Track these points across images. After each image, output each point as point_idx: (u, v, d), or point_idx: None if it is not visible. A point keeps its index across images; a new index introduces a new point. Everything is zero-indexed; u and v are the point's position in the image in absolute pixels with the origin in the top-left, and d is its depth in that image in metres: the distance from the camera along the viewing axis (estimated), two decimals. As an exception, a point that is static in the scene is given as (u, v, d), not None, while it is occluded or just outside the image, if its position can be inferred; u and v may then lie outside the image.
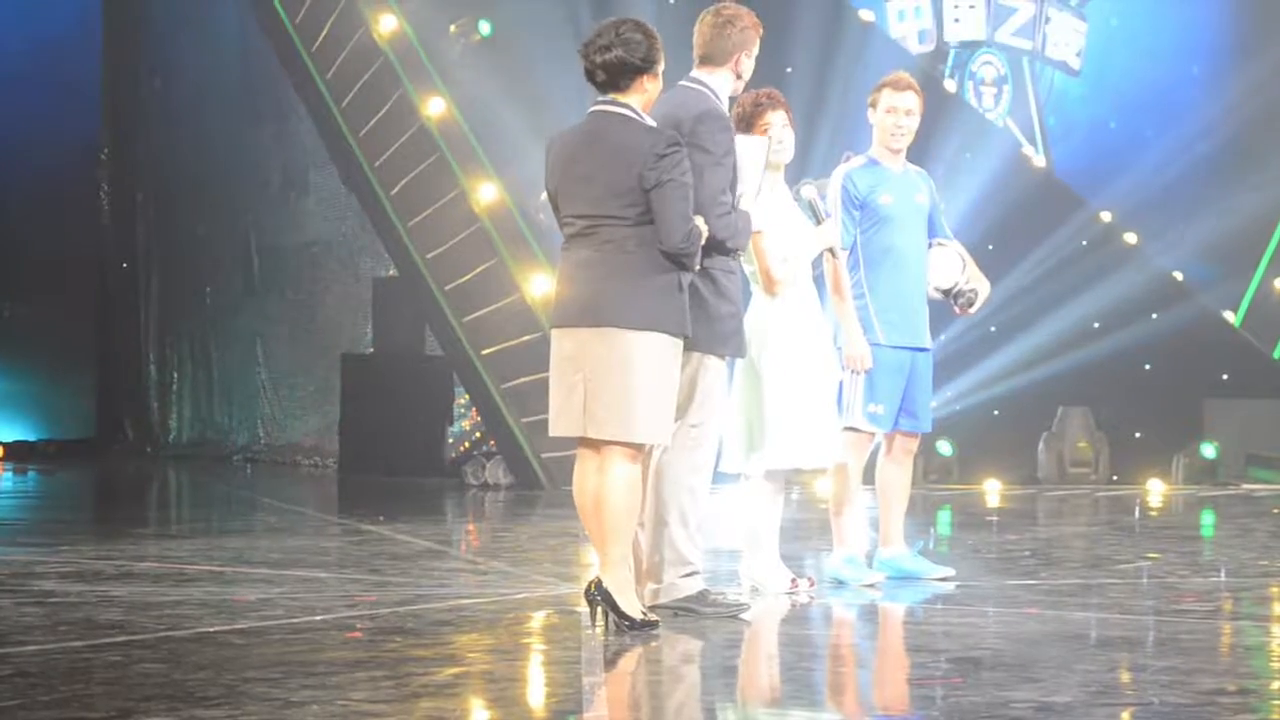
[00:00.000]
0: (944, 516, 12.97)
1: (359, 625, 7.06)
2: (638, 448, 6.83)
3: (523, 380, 15.00)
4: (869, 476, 8.61)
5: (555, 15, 15.85)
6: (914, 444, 8.68)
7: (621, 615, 6.72)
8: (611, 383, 6.75)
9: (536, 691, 5.90)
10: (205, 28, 20.28)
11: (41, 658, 6.16)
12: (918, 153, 8.86)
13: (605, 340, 6.77)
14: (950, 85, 18.02)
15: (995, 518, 13.11)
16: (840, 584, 8.28)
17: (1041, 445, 16.51)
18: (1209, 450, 16.60)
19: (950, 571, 8.59)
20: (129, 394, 21.38)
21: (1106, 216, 17.73)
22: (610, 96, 6.94)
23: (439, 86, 16.49)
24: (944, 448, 16.23)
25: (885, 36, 17.80)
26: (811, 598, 7.89)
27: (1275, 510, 13.57)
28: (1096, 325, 17.13)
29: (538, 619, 7.37)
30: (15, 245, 19.84)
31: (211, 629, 6.83)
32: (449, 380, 16.76)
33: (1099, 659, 6.29)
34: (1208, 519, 13.12)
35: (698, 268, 6.94)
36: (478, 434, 16.68)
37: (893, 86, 8.56)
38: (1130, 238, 17.71)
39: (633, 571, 6.95)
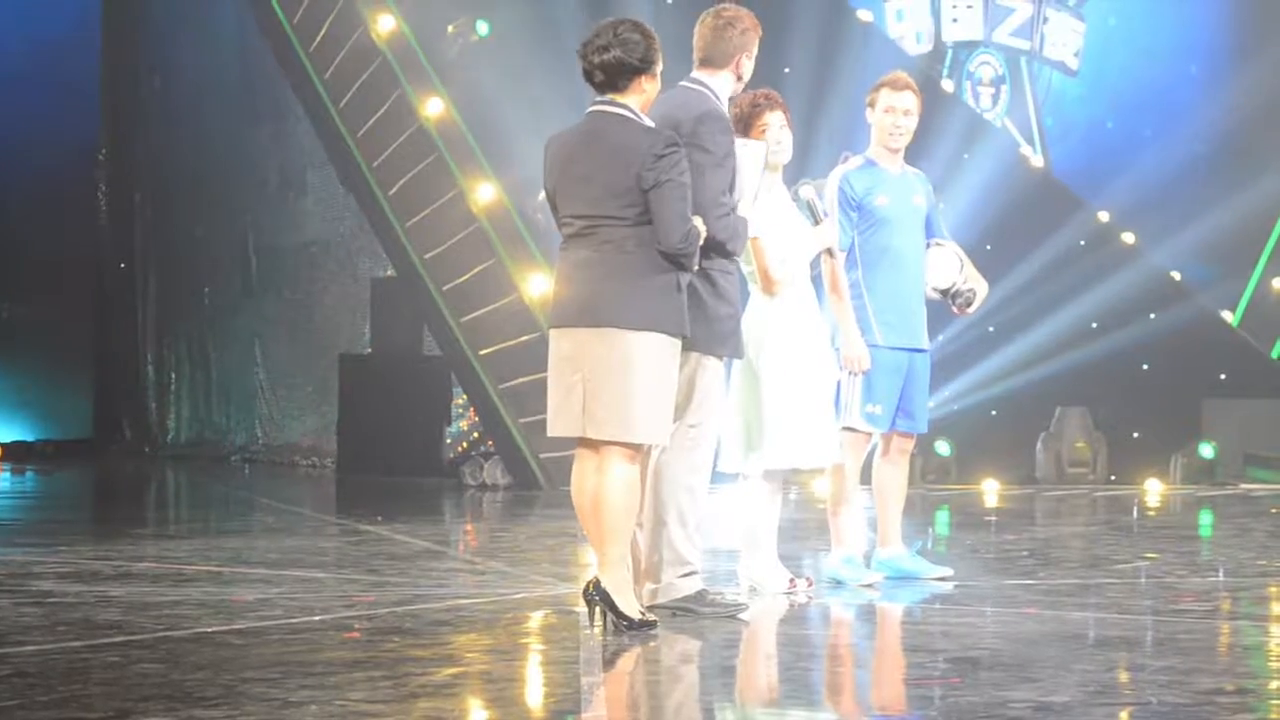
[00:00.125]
0: (942, 516, 12.97)
1: (357, 625, 7.06)
2: (636, 448, 6.83)
3: (521, 380, 15.00)
4: (866, 476, 8.61)
5: (553, 16, 15.86)
6: (910, 444, 8.68)
7: (620, 615, 6.72)
8: (610, 383, 6.75)
9: (535, 691, 5.90)
10: (204, 28, 20.28)
11: (40, 658, 6.16)
12: (915, 153, 8.86)
13: (604, 340, 6.77)
14: (948, 85, 18.02)
15: (993, 518, 13.11)
16: (838, 584, 8.28)
17: (1039, 445, 16.51)
18: (1207, 450, 16.60)
19: (948, 571, 8.59)
20: (127, 394, 21.38)
21: (1104, 216, 17.73)
22: (608, 97, 6.94)
23: (437, 86, 16.49)
24: (942, 448, 16.23)
25: (883, 36, 17.80)
26: (810, 598, 7.89)
27: (1273, 510, 13.57)
28: (1094, 325, 17.12)
29: (536, 619, 7.37)
30: (14, 245, 19.84)
31: (210, 629, 6.83)
32: (447, 380, 16.76)
33: (1097, 659, 6.29)
34: (1206, 519, 13.12)
35: (696, 268, 6.94)
36: (476, 434, 16.68)
37: (891, 86, 8.56)
38: (1128, 238, 17.71)
39: (631, 571, 6.95)
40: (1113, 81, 18.28)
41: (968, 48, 18.25)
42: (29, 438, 20.83)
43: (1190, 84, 17.84)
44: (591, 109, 6.99)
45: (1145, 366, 17.19)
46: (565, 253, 6.96)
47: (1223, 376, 17.35)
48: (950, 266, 8.61)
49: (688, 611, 7.14)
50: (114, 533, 11.20)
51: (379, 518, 11.97)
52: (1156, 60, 17.98)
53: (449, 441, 16.84)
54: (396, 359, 17.19)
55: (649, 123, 6.92)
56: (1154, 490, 15.86)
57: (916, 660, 6.45)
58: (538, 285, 15.32)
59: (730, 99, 7.55)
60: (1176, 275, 17.73)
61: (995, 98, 18.25)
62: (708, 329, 7.16)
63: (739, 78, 7.51)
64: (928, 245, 8.62)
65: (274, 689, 5.53)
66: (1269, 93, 17.38)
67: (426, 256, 16.15)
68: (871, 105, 8.60)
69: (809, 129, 14.20)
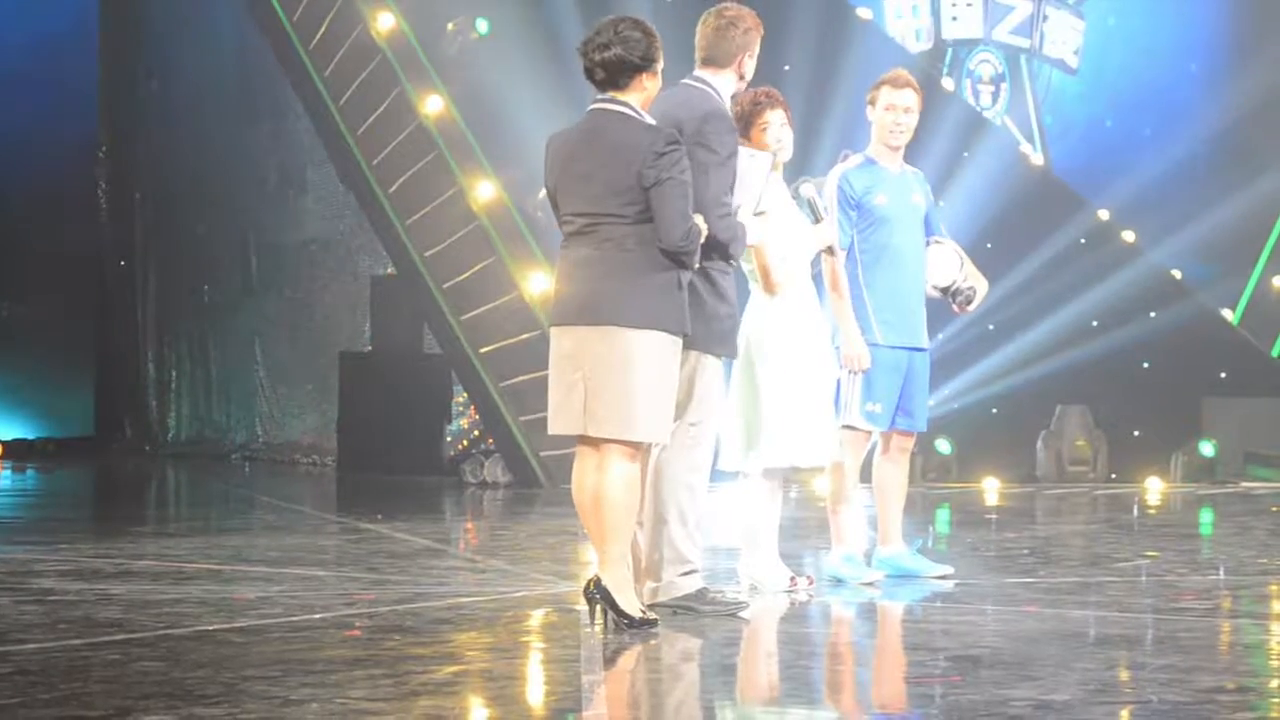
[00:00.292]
0: (942, 515, 12.97)
1: (358, 623, 7.06)
2: (637, 446, 6.83)
3: (521, 378, 15.01)
4: (866, 475, 8.61)
5: (553, 14, 15.86)
6: (910, 443, 8.69)
7: (620, 613, 6.72)
8: (611, 381, 6.75)
9: (535, 690, 5.90)
10: (203, 26, 20.28)
11: (41, 656, 6.16)
12: (915, 151, 8.86)
13: (605, 338, 6.76)
14: (948, 83, 18.02)
15: (994, 516, 13.11)
16: (839, 582, 8.28)
17: (1040, 443, 16.51)
18: (1207, 448, 16.60)
19: (949, 570, 8.59)
20: (127, 392, 21.39)
21: (1104, 215, 17.74)
22: (609, 94, 6.94)
23: (437, 84, 16.49)
24: (943, 446, 16.24)
25: (883, 34, 17.80)
26: (810, 596, 7.89)
27: (1274, 508, 13.58)
28: (1095, 323, 17.13)
29: (536, 617, 7.37)
30: (14, 244, 19.85)
31: (210, 627, 6.83)
32: (447, 378, 16.77)
33: (1098, 657, 6.29)
34: (1206, 517, 13.12)
35: (697, 266, 6.94)
36: (476, 432, 16.69)
37: (891, 84, 8.56)
38: (1128, 236, 17.72)
39: (631, 570, 6.95)
40: (1112, 80, 18.29)
41: (967, 46, 18.25)
42: (30, 436, 20.84)
43: (1190, 82, 17.85)
44: (592, 107, 6.99)
45: (1145, 365, 17.19)
46: (566, 251, 6.96)
47: (1223, 375, 17.36)
48: (950, 264, 8.61)
49: (688, 610, 7.14)
50: (115, 531, 11.20)
51: (379, 516, 11.97)
52: (1156, 58, 17.99)
53: (449, 439, 16.85)
54: (397, 357, 17.19)
55: (650, 120, 6.92)
56: (1154, 488, 15.87)
57: (917, 658, 6.45)
58: (538, 283, 15.33)
59: (732, 98, 7.56)
60: (1177, 273, 17.74)
61: (995, 96, 18.26)
62: (707, 328, 7.16)
63: (741, 77, 7.51)
64: (927, 243, 8.62)
65: (275, 687, 5.53)
66: (1269, 91, 17.39)
67: (426, 254, 16.15)
68: (872, 103, 8.60)
69: (809, 127, 14.20)
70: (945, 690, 5.70)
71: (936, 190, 8.98)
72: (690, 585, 7.19)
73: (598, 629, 6.73)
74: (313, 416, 19.14)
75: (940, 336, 13.90)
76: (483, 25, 16.83)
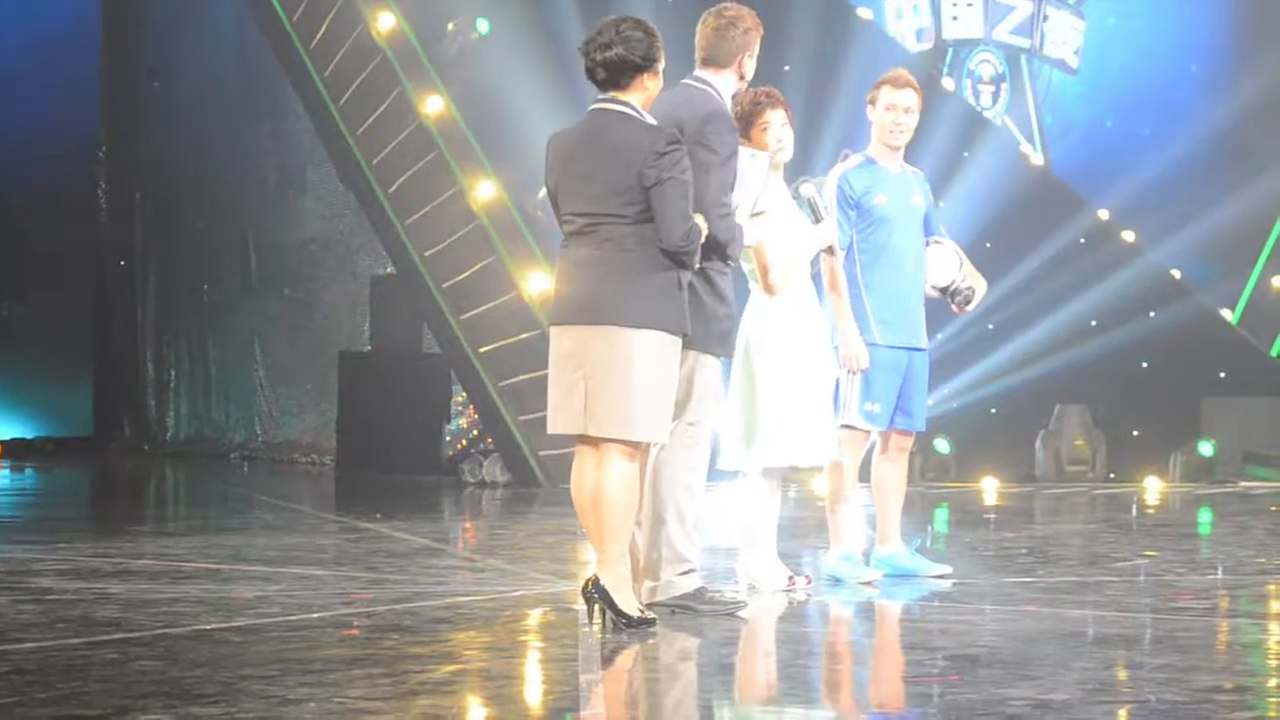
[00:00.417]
0: (941, 514, 12.97)
1: (356, 623, 7.06)
2: (636, 445, 6.83)
3: (520, 378, 15.01)
4: (865, 474, 8.61)
5: (553, 14, 15.85)
6: (909, 442, 8.69)
7: (619, 613, 6.72)
8: (611, 381, 6.75)
9: (534, 689, 5.90)
10: (203, 25, 20.28)
11: (39, 655, 6.16)
12: (915, 151, 8.87)
13: (605, 338, 6.76)
14: (948, 83, 18.02)
15: (992, 515, 13.11)
16: (837, 581, 8.28)
17: (1039, 443, 16.51)
18: (1206, 448, 16.60)
19: (947, 569, 8.59)
20: (127, 392, 21.39)
21: (1104, 215, 17.74)
22: (610, 94, 6.94)
23: (437, 84, 16.49)
24: (941, 445, 16.23)
25: (883, 34, 17.80)
26: (808, 595, 7.89)
27: (1272, 508, 13.58)
28: (1094, 323, 17.13)
29: (535, 616, 7.37)
30: (13, 243, 19.85)
31: (208, 626, 6.83)
32: (446, 378, 16.77)
33: (1096, 656, 6.29)
34: (1205, 517, 13.12)
35: (697, 266, 6.94)
36: (475, 432, 16.69)
37: (892, 84, 8.56)
38: (1128, 236, 17.72)
39: (630, 569, 6.95)
40: (1112, 80, 18.29)
41: (968, 46, 18.25)
42: (28, 435, 20.84)
43: (1190, 82, 17.85)
44: (593, 106, 6.99)
45: (1145, 364, 17.20)
46: (566, 250, 6.96)
47: (1222, 375, 17.36)
48: (949, 264, 8.61)
49: (687, 609, 7.14)
50: (113, 530, 11.20)
51: (378, 515, 11.97)
52: (1156, 59, 17.99)
53: (448, 439, 16.84)
54: (396, 356, 17.19)
55: (651, 120, 6.92)
56: (1153, 488, 15.87)
57: (915, 658, 6.45)
58: (537, 283, 15.33)
59: (732, 97, 7.55)
60: (1176, 273, 17.74)
61: (995, 96, 18.26)
62: (706, 328, 7.17)
63: (741, 77, 7.51)
64: (926, 243, 8.63)
65: (272, 686, 5.53)
66: (1269, 91, 17.39)
67: (426, 254, 16.15)
68: (872, 103, 8.60)
69: (809, 127, 14.20)
70: (943, 689, 5.70)
71: (936, 190, 8.98)
72: (688, 584, 7.19)
73: (596, 628, 6.73)
74: (312, 416, 19.14)
75: (939, 336, 13.90)
76: (483, 25, 16.83)
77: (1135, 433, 16.88)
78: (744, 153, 7.38)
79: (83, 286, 21.22)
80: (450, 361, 16.33)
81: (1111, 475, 16.40)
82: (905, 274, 8.50)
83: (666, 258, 6.78)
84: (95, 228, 21.47)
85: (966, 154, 16.99)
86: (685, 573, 7.19)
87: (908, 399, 8.50)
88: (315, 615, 7.16)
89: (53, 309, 20.61)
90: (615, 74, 6.90)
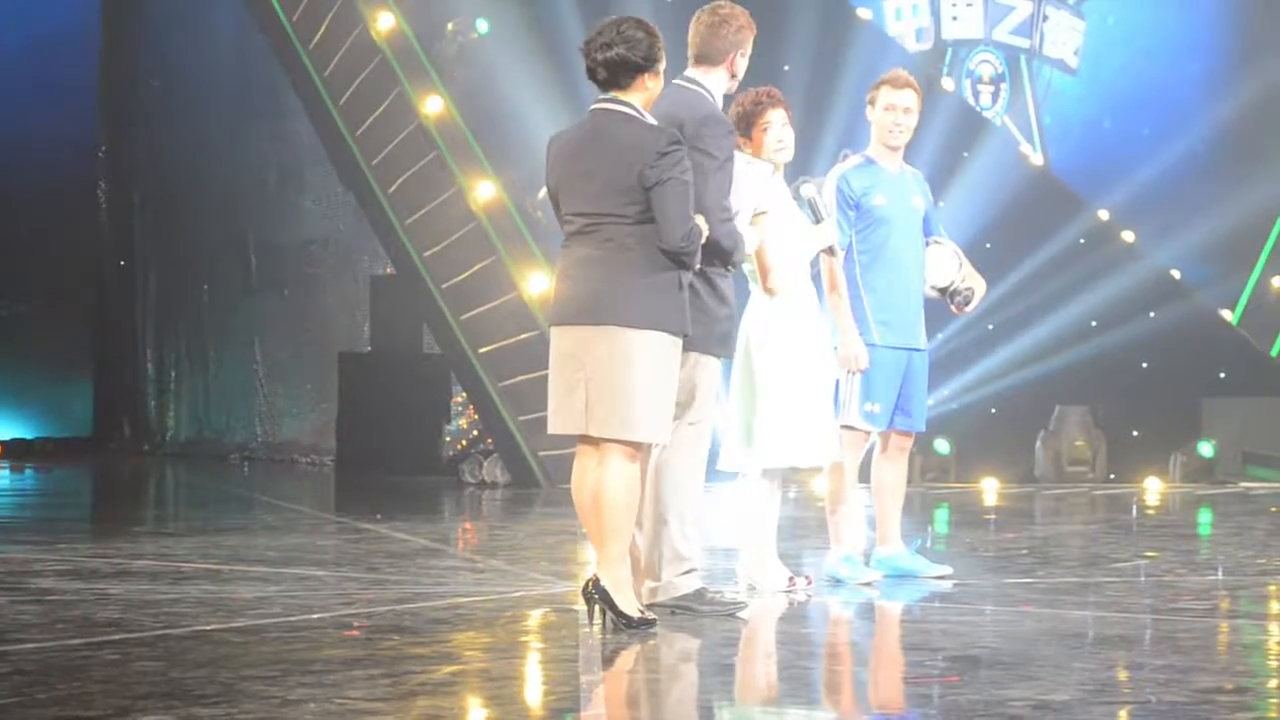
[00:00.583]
0: (941, 515, 12.97)
1: (356, 623, 7.06)
2: (637, 446, 6.82)
3: (520, 378, 15.01)
4: (865, 475, 8.61)
5: (553, 14, 15.86)
6: (908, 442, 8.69)
7: (619, 613, 6.72)
8: (612, 381, 6.74)
9: (534, 690, 5.90)
10: (203, 26, 20.29)
11: (39, 656, 6.16)
12: (914, 151, 8.86)
13: (605, 338, 6.76)
14: (948, 83, 18.02)
15: (993, 516, 13.11)
16: (837, 582, 8.28)
17: (1039, 444, 16.51)
18: (1206, 448, 16.60)
19: (948, 570, 8.59)
20: (127, 392, 21.41)
21: (1104, 215, 17.73)
22: (611, 94, 6.93)
23: (436, 84, 16.49)
24: (941, 446, 16.24)
25: (883, 34, 17.80)
26: (808, 596, 7.89)
27: (1272, 509, 13.58)
28: (1094, 324, 17.13)
29: (535, 617, 7.37)
30: (13, 244, 19.86)
31: (208, 627, 6.82)
32: (446, 378, 16.78)
33: (1096, 657, 6.29)
34: (1205, 517, 13.12)
35: (698, 266, 6.94)
36: (475, 432, 16.69)
37: (891, 84, 8.56)
38: (1128, 236, 17.72)
39: (630, 569, 6.94)
40: (1112, 80, 18.28)
41: (967, 46, 18.25)
42: (29, 435, 20.85)
43: (1190, 82, 17.85)
44: (594, 107, 6.99)
45: (1145, 365, 17.19)
46: (567, 250, 6.96)
47: (1222, 375, 17.36)
48: (949, 265, 8.61)
49: (687, 610, 7.14)
50: (113, 530, 11.20)
51: (378, 516, 11.97)
52: (1156, 59, 17.99)
53: (448, 439, 16.85)
54: (396, 357, 17.20)
55: (652, 120, 6.92)
56: (1153, 489, 15.87)
57: (915, 659, 6.45)
58: (537, 283, 15.33)
59: (726, 96, 7.54)
60: (1176, 274, 17.73)
61: (995, 96, 18.25)
62: (706, 329, 7.17)
63: (733, 75, 7.50)
64: (926, 243, 8.62)
65: (273, 687, 5.53)
66: (1268, 92, 17.38)
67: (426, 254, 16.15)
68: (872, 103, 8.60)
69: (809, 127, 14.21)
70: (944, 690, 5.70)
71: (936, 190, 8.98)
72: (689, 585, 7.19)
73: (596, 629, 6.73)
74: (312, 416, 19.15)
75: (939, 337, 13.91)
76: (483, 25, 16.83)
77: (1135, 433, 16.88)
78: (741, 159, 7.37)
79: (83, 287, 21.23)
80: (450, 362, 16.34)
81: (1112, 476, 16.40)
82: (904, 274, 8.50)
83: (667, 258, 6.78)
84: (95, 228, 21.48)
85: (966, 154, 16.99)
86: (686, 573, 7.19)
87: (907, 399, 8.50)
88: (315, 616, 7.16)
89: (53, 309, 20.63)
90: (616, 74, 6.90)
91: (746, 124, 7.85)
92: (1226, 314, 17.75)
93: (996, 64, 18.29)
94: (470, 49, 16.86)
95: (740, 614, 7.22)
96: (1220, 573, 9.27)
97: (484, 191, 16.04)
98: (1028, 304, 16.69)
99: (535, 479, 14.99)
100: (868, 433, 8.48)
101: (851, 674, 6.37)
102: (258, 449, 19.86)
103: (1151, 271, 17.57)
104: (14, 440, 20.57)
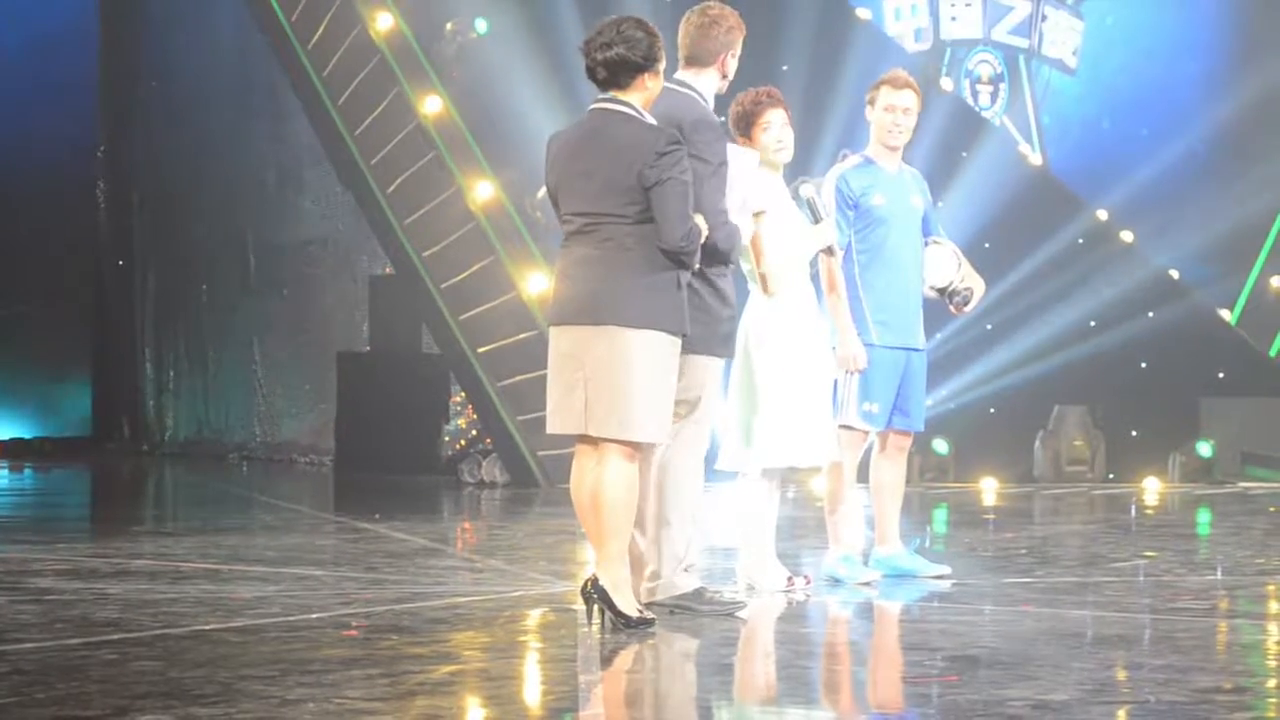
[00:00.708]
0: (940, 515, 12.97)
1: (355, 623, 7.06)
2: (636, 446, 6.82)
3: (519, 378, 15.00)
4: (864, 475, 8.61)
5: (552, 14, 15.86)
6: (907, 442, 8.69)
7: (618, 613, 6.72)
8: (611, 381, 6.75)
9: (532, 689, 5.90)
10: (202, 26, 20.29)
11: (38, 655, 6.16)
12: (913, 151, 8.86)
13: (604, 338, 6.76)
14: (947, 83, 18.02)
15: (991, 516, 13.11)
16: (836, 582, 8.28)
17: (1038, 443, 16.51)
18: (1205, 448, 16.60)
19: (946, 570, 8.59)
20: (125, 392, 21.40)
21: (1103, 215, 17.73)
22: (611, 94, 6.93)
23: (435, 84, 16.49)
24: (940, 446, 16.23)
25: (882, 34, 17.79)
26: (807, 596, 7.89)
27: (1271, 508, 13.58)
28: (1093, 323, 17.13)
29: (534, 617, 7.37)
30: (12, 244, 19.86)
31: (207, 627, 6.82)
32: (445, 378, 16.77)
33: (1095, 657, 6.29)
34: (1204, 517, 13.12)
35: (697, 266, 6.94)
36: (474, 432, 16.69)
37: (891, 84, 8.56)
38: (1126, 236, 17.71)
39: (629, 569, 6.95)
40: (1111, 80, 18.27)
41: (966, 46, 18.24)
42: (27, 435, 20.84)
43: (1189, 82, 17.84)
44: (594, 106, 6.99)
45: (1143, 365, 17.19)
46: (566, 250, 6.96)
47: (1221, 375, 17.35)
48: (948, 265, 8.61)
49: (686, 609, 7.14)
50: (112, 530, 11.20)
51: (377, 515, 11.97)
52: (1155, 59, 17.98)
53: (447, 439, 16.85)
54: (395, 357, 17.20)
55: (651, 120, 6.92)
56: (1152, 488, 15.87)
57: (914, 658, 6.45)
58: (536, 283, 15.33)
59: (717, 96, 7.53)
60: (1175, 273, 17.72)
61: (994, 96, 18.25)
62: (707, 329, 7.17)
63: (724, 76, 7.48)
64: (925, 243, 8.63)
65: (271, 687, 5.53)
66: (1268, 91, 17.38)
67: (425, 254, 16.15)
68: (871, 103, 8.60)
69: (808, 127, 14.20)
70: (943, 690, 5.70)
71: (935, 190, 8.97)
72: (688, 584, 7.19)
73: (595, 628, 6.73)
74: (310, 416, 19.14)
75: (938, 336, 13.90)
76: (482, 25, 16.83)
77: (1134, 433, 16.87)
78: (731, 149, 7.36)
79: (81, 286, 21.23)
80: (449, 362, 16.33)
81: (1110, 476, 16.40)
82: (903, 274, 8.50)
83: (666, 258, 6.78)
84: (94, 228, 21.48)
85: (965, 154, 16.99)
86: (685, 573, 7.19)
87: (906, 399, 8.50)
88: (314, 616, 7.16)
89: (51, 309, 20.62)
90: (616, 74, 6.90)
91: (746, 124, 7.86)
92: (1225, 314, 17.74)
93: (995, 64, 18.29)
94: (469, 49, 16.86)
95: (739, 614, 7.22)
96: (1219, 573, 9.27)
97: (483, 191, 16.04)
98: (1026, 304, 16.69)
99: (534, 479, 14.99)
100: (866, 432, 8.48)
101: (850, 674, 6.37)
102: (257, 449, 19.85)
103: (1150, 271, 17.57)
104: (13, 440, 20.56)
